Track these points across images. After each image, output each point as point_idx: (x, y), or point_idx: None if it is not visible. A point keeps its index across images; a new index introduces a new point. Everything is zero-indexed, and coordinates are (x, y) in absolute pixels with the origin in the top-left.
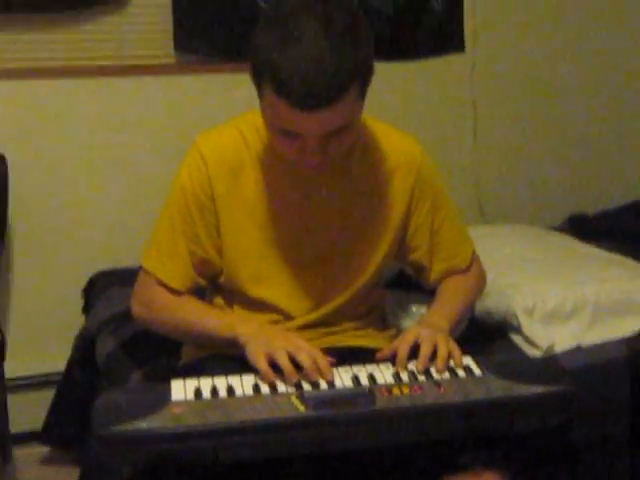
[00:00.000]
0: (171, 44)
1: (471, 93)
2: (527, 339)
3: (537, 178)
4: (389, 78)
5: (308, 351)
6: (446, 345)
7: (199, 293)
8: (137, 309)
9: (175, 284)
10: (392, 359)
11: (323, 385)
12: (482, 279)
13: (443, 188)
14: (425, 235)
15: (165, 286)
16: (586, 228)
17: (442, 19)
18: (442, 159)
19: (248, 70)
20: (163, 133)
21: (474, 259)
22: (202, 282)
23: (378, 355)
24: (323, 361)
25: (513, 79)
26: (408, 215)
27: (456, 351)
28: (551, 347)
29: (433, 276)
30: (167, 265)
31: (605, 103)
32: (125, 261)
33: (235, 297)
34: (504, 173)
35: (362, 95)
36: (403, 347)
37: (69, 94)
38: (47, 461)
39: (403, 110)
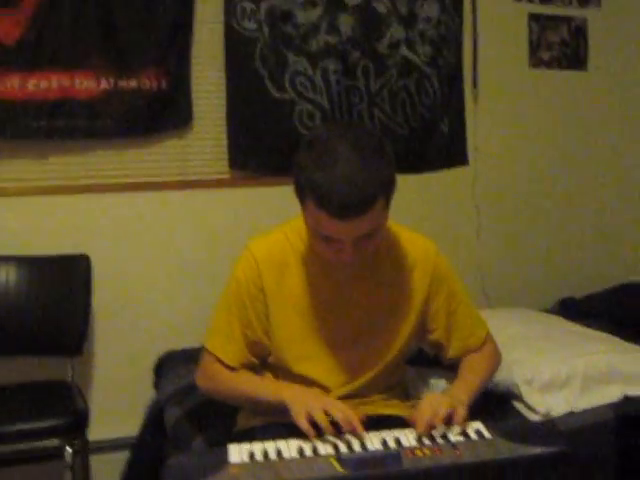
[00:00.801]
0: (226, 163)
1: (474, 199)
2: (528, 406)
3: (532, 268)
4: (406, 188)
5: (340, 407)
6: (445, 406)
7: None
8: (201, 382)
9: (231, 362)
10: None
11: (357, 447)
12: (497, 356)
13: (456, 277)
14: (442, 318)
15: (223, 363)
16: (575, 310)
17: (449, 139)
18: (451, 254)
19: (292, 185)
20: (222, 238)
21: (488, 338)
22: (255, 361)
23: (406, 419)
24: (352, 415)
25: (510, 186)
26: (427, 302)
27: (458, 415)
28: (548, 412)
29: (450, 353)
30: (225, 346)
31: (589, 205)
32: (188, 343)
33: (281, 373)
34: (504, 264)
35: (387, 204)
36: (426, 413)
37: (142, 205)
38: None
39: (419, 214)
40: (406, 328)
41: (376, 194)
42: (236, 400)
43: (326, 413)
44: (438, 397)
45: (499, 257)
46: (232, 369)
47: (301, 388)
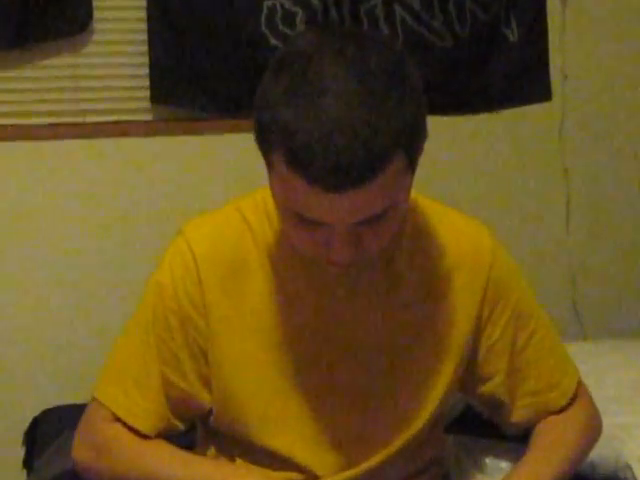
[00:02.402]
0: (146, 95)
1: (560, 157)
2: None
3: None
4: (446, 139)
5: None
6: None
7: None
8: (81, 453)
9: (141, 425)
10: None
11: None
12: (595, 421)
13: (528, 292)
14: (503, 357)
15: (126, 426)
16: None
17: (519, 55)
18: (523, 249)
19: (253, 132)
20: (138, 221)
21: (579, 392)
22: (179, 426)
23: None
24: None
25: (615, 133)
26: (478, 330)
27: None
28: None
29: (516, 415)
30: (131, 397)
31: None
32: (77, 395)
33: (235, 447)
34: (607, 264)
35: (411, 168)
36: None
37: (8, 162)
38: None
39: (466, 183)
40: (442, 377)
41: (390, 148)
42: None
43: None
44: None
45: (601, 252)
46: (141, 436)
47: (267, 476)
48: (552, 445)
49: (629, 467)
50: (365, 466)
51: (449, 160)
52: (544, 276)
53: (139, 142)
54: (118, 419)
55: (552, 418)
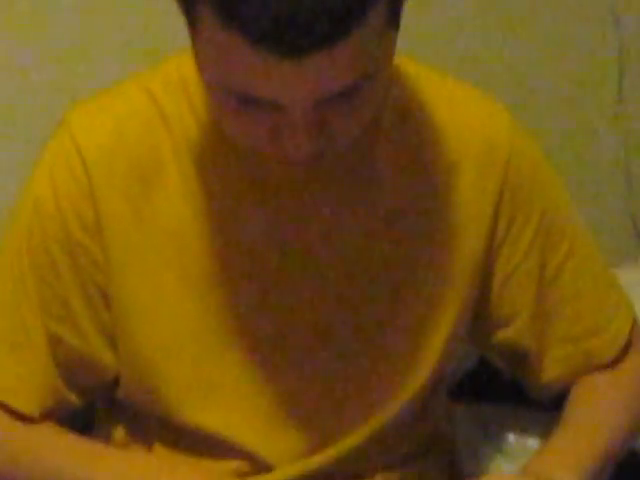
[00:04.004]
0: None
1: (615, 20)
2: None
3: None
4: None
5: None
6: None
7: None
8: None
9: (20, 402)
10: None
11: None
12: None
13: (563, 201)
14: (527, 292)
15: (2, 408)
16: None
17: None
18: (563, 142)
19: None
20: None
21: (634, 340)
22: (74, 400)
23: None
24: None
25: None
26: (491, 254)
27: None
28: None
29: (546, 372)
30: (6, 367)
31: None
32: None
33: (152, 427)
34: None
35: (394, 22)
36: None
37: None
38: None
39: (477, 45)
40: (442, 315)
41: None
42: None
43: None
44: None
45: None
46: (20, 418)
47: (198, 475)
48: (596, 417)
49: None
50: (331, 452)
51: (446, 16)
52: (592, 178)
53: None
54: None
55: (596, 377)
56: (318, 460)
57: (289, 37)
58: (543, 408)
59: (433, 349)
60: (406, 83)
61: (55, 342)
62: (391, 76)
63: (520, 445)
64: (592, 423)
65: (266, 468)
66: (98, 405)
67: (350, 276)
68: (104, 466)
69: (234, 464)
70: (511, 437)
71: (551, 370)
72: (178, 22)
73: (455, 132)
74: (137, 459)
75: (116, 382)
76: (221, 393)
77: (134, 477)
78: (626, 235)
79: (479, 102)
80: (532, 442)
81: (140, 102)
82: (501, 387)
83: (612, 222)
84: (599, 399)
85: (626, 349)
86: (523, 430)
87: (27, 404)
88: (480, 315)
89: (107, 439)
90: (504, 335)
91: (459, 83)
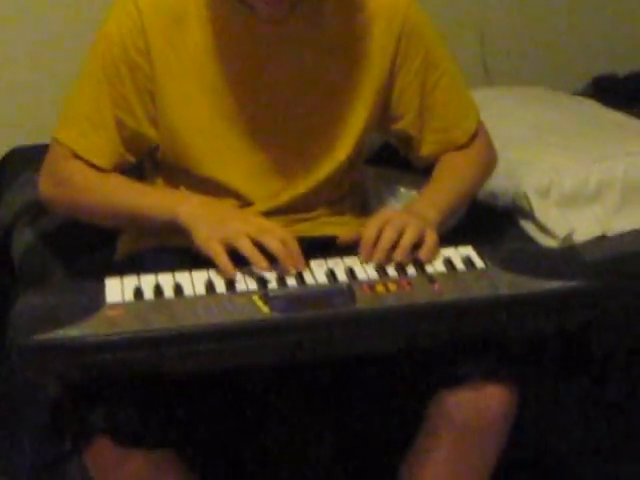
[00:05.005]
0: None
1: None
2: (541, 226)
3: (556, 31)
4: None
5: (275, 233)
6: (415, 230)
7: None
8: (47, 189)
9: (99, 160)
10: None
11: (291, 282)
12: (490, 158)
13: (438, 40)
14: (414, 98)
15: (85, 162)
16: (615, 92)
17: None
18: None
19: None
20: None
21: (479, 132)
22: (131, 159)
23: (339, 240)
24: (294, 245)
25: None
26: (392, 73)
27: (429, 240)
28: (570, 236)
29: (424, 150)
30: (89, 137)
31: None
32: (41, 137)
33: (180, 177)
34: (515, 23)
35: None
36: (369, 231)
37: None
38: None
39: None
40: (360, 113)
41: None
42: (101, 216)
43: (253, 240)
44: (397, 214)
45: (508, 11)
46: (98, 170)
47: (207, 201)
48: (450, 176)
49: (526, 197)
50: (293, 193)
51: None
52: (454, 29)
53: None
54: (78, 156)
55: (453, 153)
56: (283, 198)
57: None
58: (422, 173)
59: (355, 129)
60: None
61: (119, 124)
62: None
63: (407, 194)
64: (450, 177)
65: (249, 204)
66: (145, 165)
67: (307, 79)
68: (150, 194)
69: (230, 201)
70: (402, 189)
71: (427, 148)
72: None
73: None
74: (172, 192)
75: (157, 149)
76: (223, 156)
77: (171, 199)
78: (479, 74)
79: None
80: (414, 193)
81: None
82: (397, 159)
83: (469, 66)
84: (455, 164)
85: (474, 138)
86: (409, 185)
87: (102, 161)
88: (383, 114)
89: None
90: (398, 126)
91: None
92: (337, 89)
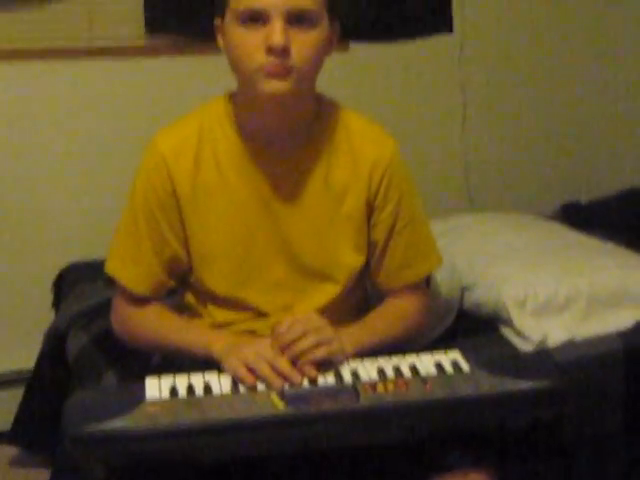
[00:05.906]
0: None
1: (460, 76)
2: (518, 332)
3: (529, 164)
4: (370, 61)
5: (267, 359)
6: (315, 337)
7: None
8: (115, 326)
9: (138, 286)
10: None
11: (305, 383)
12: (421, 321)
13: (414, 192)
14: (382, 232)
15: (126, 292)
16: (579, 217)
17: None
18: (429, 144)
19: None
20: (133, 118)
21: (423, 291)
22: (170, 283)
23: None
24: (285, 365)
25: (504, 61)
26: (370, 210)
27: (319, 351)
28: (543, 341)
29: (380, 279)
30: (131, 270)
31: (601, 85)
32: (97, 253)
33: (206, 296)
34: (494, 158)
35: (331, 10)
36: (281, 326)
37: (34, 79)
38: (16, 463)
39: (385, 95)
40: (350, 234)
41: None
42: (156, 349)
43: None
44: (325, 326)
45: (488, 150)
46: (140, 300)
47: (233, 338)
48: (379, 322)
49: (505, 307)
50: (305, 307)
51: (371, 77)
52: (444, 165)
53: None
54: (121, 289)
55: (392, 300)
56: (296, 311)
57: None
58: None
59: (345, 272)
60: (335, 114)
61: (158, 255)
62: (334, 107)
63: None
64: (376, 323)
65: (265, 315)
66: (178, 285)
67: (301, 213)
68: (190, 331)
69: (247, 314)
70: None
71: (379, 280)
72: None
73: (363, 147)
74: (205, 329)
75: (190, 270)
76: (243, 277)
77: (206, 339)
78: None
79: (376, 130)
80: None
81: (194, 126)
82: None
83: (454, 190)
84: (385, 316)
85: (417, 288)
86: None
87: (143, 289)
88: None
89: (182, 301)
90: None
91: (366, 119)
92: (324, 220)
